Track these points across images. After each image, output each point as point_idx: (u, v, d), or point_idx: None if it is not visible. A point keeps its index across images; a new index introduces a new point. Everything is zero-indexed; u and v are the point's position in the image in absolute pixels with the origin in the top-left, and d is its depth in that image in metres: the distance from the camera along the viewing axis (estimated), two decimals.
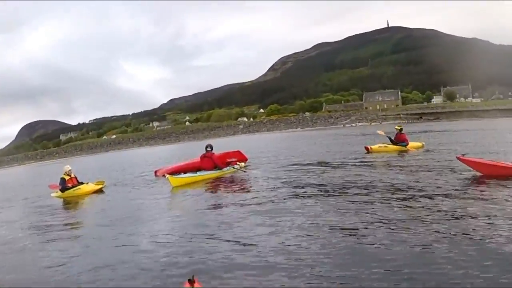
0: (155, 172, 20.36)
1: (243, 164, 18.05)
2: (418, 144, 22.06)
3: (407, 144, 21.13)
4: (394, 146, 21.17)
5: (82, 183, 17.54)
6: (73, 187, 16.98)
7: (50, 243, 8.52)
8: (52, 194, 17.02)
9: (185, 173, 17.03)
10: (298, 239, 6.64)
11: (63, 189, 16.83)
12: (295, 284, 4.95)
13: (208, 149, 17.28)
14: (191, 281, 4.03)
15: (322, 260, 5.60)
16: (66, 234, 9.30)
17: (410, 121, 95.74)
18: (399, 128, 22.21)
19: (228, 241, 6.99)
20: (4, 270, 6.91)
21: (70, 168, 17.66)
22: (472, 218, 6.94)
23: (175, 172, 18.21)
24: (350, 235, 6.56)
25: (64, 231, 9.70)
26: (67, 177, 17.11)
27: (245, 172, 16.66)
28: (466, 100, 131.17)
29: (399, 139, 21.37)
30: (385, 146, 21.30)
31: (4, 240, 9.45)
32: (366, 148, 21.41)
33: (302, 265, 5.52)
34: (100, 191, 17.45)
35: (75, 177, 17.66)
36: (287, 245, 6.35)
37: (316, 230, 7.06)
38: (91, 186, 17.53)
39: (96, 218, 11.20)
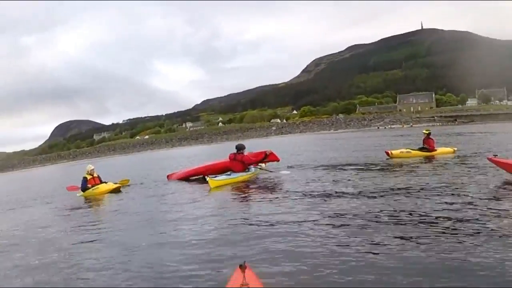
0: (168, 176, 19.96)
1: (264, 165, 17.71)
2: (449, 149, 20.31)
3: (433, 150, 19.73)
4: (418, 152, 19.78)
5: (105, 182, 17.68)
6: (92, 187, 17.23)
7: (84, 244, 8.41)
8: (78, 194, 17.44)
9: (204, 176, 17.05)
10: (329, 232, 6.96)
11: (83, 189, 17.26)
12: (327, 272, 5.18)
13: (238, 151, 16.75)
14: (242, 267, 4.06)
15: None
16: (99, 235, 8.99)
17: (445, 123, 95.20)
18: (427, 132, 20.61)
19: (266, 233, 7.24)
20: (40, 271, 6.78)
21: (92, 168, 18.02)
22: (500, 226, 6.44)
23: (188, 176, 18.93)
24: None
25: (97, 231, 9.46)
26: (89, 177, 17.42)
27: (271, 171, 16.86)
28: (501, 103, 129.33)
29: (426, 144, 19.97)
30: (408, 152, 19.80)
31: (44, 240, 9.36)
32: (387, 153, 19.99)
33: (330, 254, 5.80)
34: (117, 190, 17.25)
35: (98, 177, 17.85)
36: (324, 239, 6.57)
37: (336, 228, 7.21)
38: (110, 186, 17.42)
39: (127, 217, 11.08)
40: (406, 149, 20.43)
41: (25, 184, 38.19)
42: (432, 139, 20.22)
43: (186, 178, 19.04)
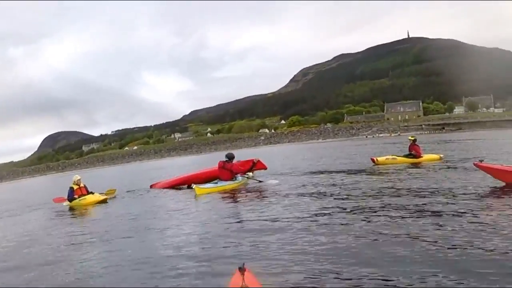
0: (151, 186, 19.99)
1: (251, 174, 17.69)
2: (435, 156, 20.36)
3: (419, 156, 19.71)
4: (404, 158, 19.85)
5: (91, 193, 17.49)
6: (79, 197, 17.08)
7: (73, 252, 8.28)
8: (64, 204, 17.34)
9: (188, 186, 17.52)
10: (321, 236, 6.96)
11: (70, 199, 17.11)
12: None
13: (228, 159, 16.76)
14: (241, 269, 4.02)
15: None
16: (89, 245, 8.75)
17: (432, 131, 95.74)
18: (412, 138, 20.77)
19: (257, 237, 7.26)
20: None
21: (79, 178, 17.94)
22: (486, 230, 6.35)
23: (172, 185, 18.97)
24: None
25: (85, 241, 9.27)
26: (75, 187, 17.27)
27: (260, 181, 16.63)
28: (488, 110, 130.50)
29: (414, 151, 19.88)
30: (393, 158, 19.96)
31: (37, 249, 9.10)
32: (372, 160, 20.22)
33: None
34: (104, 201, 16.97)
35: (84, 187, 17.67)
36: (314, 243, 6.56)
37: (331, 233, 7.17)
38: (96, 197, 17.17)
39: (117, 225, 10.91)
40: (392, 155, 20.62)
41: (15, 194, 38.04)
42: (418, 145, 20.24)
43: (170, 187, 18.99)
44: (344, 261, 5.53)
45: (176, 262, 6.32)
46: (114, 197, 18.63)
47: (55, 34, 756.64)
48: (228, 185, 15.93)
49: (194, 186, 14.92)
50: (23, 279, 6.63)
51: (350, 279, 4.93)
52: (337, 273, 5.14)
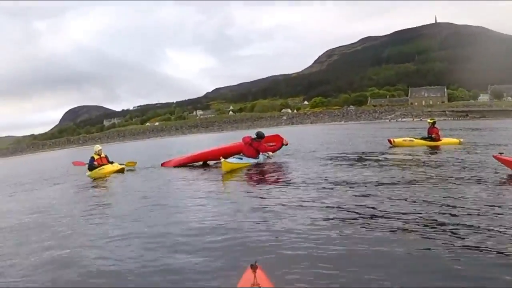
0: (162, 164, 19.82)
1: (271, 153, 17.68)
2: (455, 140, 20.14)
3: (438, 139, 19.75)
4: (421, 141, 19.88)
5: (111, 163, 18.61)
6: (99, 166, 18.04)
7: (89, 225, 8.63)
8: (86, 174, 18.20)
9: (204, 162, 18.56)
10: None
11: (90, 167, 18.08)
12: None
13: (258, 138, 16.96)
14: (253, 267, 3.88)
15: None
16: (102, 225, 8.70)
17: (456, 118, 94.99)
18: (431, 121, 20.78)
19: (272, 229, 6.93)
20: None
21: (100, 148, 19.00)
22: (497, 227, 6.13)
23: (185, 163, 19.05)
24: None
25: (99, 219, 9.29)
26: (96, 156, 18.29)
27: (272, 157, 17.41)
28: None
29: (430, 133, 20.01)
30: (410, 140, 20.00)
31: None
32: (389, 141, 20.16)
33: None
34: (121, 171, 18.18)
35: (106, 157, 18.71)
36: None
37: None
38: (115, 166, 18.31)
39: (134, 203, 10.75)
40: (409, 137, 20.69)
41: (38, 165, 39.12)
42: (437, 128, 20.24)
43: (183, 165, 19.06)
44: (365, 264, 5.19)
45: (187, 256, 6.03)
46: (134, 170, 19.31)
47: (79, 8, 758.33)
48: (252, 162, 16.33)
49: (222, 160, 14.79)
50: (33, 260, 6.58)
51: (370, 282, 4.71)
52: (355, 277, 4.85)
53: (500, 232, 5.95)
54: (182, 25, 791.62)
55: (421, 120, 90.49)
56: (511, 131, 30.78)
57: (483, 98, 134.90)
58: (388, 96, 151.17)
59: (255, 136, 17.04)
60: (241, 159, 16.28)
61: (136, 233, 7.56)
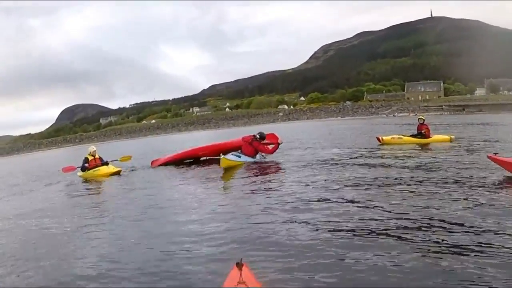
0: (152, 162, 19.57)
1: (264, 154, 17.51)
2: (445, 137, 19.74)
3: (428, 136, 19.48)
4: (410, 138, 19.62)
5: (106, 163, 18.01)
6: (92, 168, 17.65)
7: (77, 234, 8.26)
8: (78, 174, 17.94)
9: (196, 158, 18.58)
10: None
11: (83, 169, 17.77)
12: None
13: (257, 137, 17.00)
14: (239, 265, 3.91)
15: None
16: (95, 225, 8.66)
17: (453, 112, 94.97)
18: (422, 118, 20.51)
19: (264, 228, 6.90)
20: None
21: (95, 149, 18.41)
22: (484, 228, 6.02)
23: (174, 160, 19.09)
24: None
25: (92, 221, 9.17)
26: (90, 157, 17.88)
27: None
28: (510, 93, 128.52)
29: (420, 130, 19.74)
30: (399, 138, 19.76)
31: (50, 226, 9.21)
32: (378, 139, 19.85)
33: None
34: (117, 173, 17.31)
35: (99, 158, 18.17)
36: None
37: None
38: (110, 169, 17.57)
39: (126, 205, 10.66)
40: (398, 135, 20.51)
41: (33, 164, 39.19)
42: (426, 125, 20.02)
43: (172, 163, 18.98)
44: (351, 262, 5.17)
45: (175, 256, 6.08)
46: (127, 170, 18.77)
47: (73, 5, 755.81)
48: (250, 161, 16.33)
49: (221, 156, 14.65)
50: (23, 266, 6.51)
51: (356, 280, 4.69)
52: (341, 274, 4.85)
53: (492, 231, 5.91)
54: (177, 20, 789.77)
55: (416, 115, 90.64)
56: (507, 126, 30.61)
57: (480, 92, 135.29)
58: (384, 91, 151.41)
59: (258, 136, 17.09)
60: (239, 157, 16.33)
61: (130, 234, 7.62)
